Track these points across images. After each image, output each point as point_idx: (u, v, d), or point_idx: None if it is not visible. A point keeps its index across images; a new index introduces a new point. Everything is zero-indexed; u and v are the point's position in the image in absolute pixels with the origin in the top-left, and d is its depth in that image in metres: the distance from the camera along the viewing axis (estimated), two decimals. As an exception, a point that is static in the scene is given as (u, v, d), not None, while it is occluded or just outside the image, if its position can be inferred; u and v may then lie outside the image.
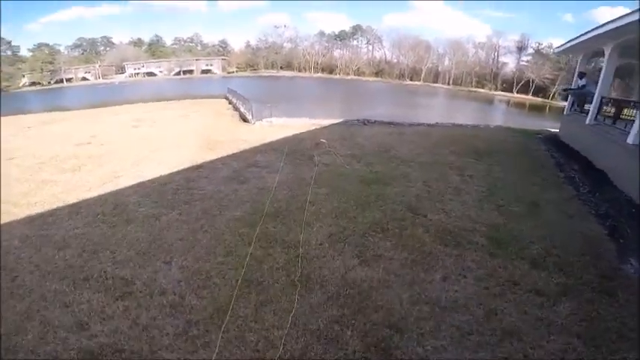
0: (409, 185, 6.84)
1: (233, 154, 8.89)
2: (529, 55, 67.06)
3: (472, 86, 67.84)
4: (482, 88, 67.30)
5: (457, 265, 4.27)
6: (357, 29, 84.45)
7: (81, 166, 8.17)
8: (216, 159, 8.57)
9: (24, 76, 67.16)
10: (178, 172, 7.69)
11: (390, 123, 14.01)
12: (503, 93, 63.12)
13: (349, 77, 76.34)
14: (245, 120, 13.90)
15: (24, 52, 69.75)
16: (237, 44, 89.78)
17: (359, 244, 4.70)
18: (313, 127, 12.29)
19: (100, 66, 76.44)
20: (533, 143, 11.73)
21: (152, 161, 8.53)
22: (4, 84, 61.47)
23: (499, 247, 4.68)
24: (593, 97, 12.06)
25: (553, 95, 56.76)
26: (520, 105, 50.02)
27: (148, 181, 7.21)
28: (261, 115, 13.88)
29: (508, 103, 53.11)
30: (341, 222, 5.31)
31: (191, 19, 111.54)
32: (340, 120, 14.10)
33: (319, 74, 78.96)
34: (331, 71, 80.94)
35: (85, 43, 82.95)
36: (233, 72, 79.58)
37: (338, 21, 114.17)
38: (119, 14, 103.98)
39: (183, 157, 8.75)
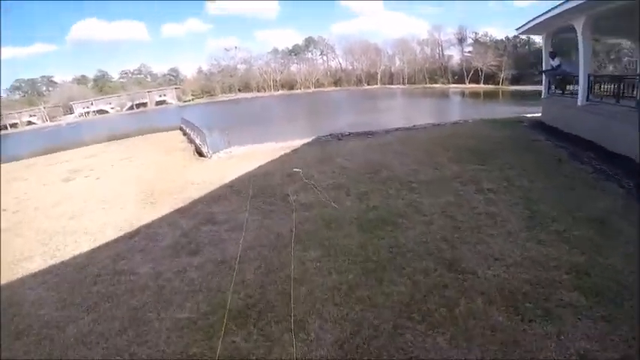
0: (426, 221, 4.92)
1: (181, 207, 6.60)
2: (469, 45, 69.23)
3: (426, 83, 68.84)
4: (436, 83, 68.52)
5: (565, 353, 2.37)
6: (309, 41, 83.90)
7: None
8: (159, 218, 6.26)
9: None
10: (106, 246, 5.42)
11: (366, 133, 12.23)
12: (455, 85, 64.36)
13: (310, 90, 75.19)
14: (200, 154, 11.56)
15: None
16: (188, 71, 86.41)
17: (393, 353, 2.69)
18: (282, 153, 10.21)
19: (45, 107, 70.13)
20: (525, 133, 10.36)
21: (73, 232, 6.12)
22: None
23: (608, 305, 2.91)
24: (571, 76, 11.11)
25: (502, 81, 58.52)
26: (475, 94, 50.83)
27: (62, 263, 5.08)
28: (219, 146, 11.63)
29: (463, 94, 53.86)
30: (351, 313, 3.27)
31: (135, 50, 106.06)
32: (311, 138, 12.13)
33: (280, 91, 77.16)
34: (291, 87, 79.52)
35: (24, 85, 76.26)
36: (189, 100, 75.88)
37: (287, 36, 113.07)
38: (56, 51, 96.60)
39: (115, 220, 6.38)
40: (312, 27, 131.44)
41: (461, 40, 70.82)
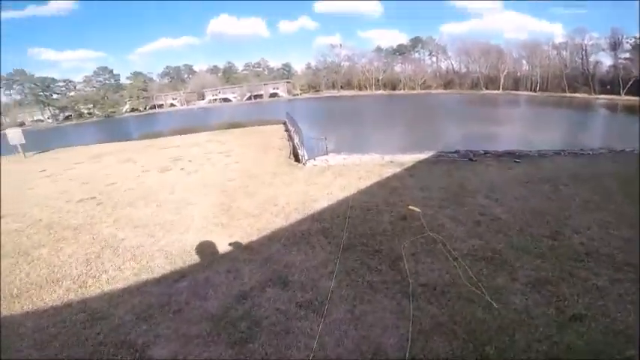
0: None
1: (252, 241, 4.68)
2: (625, 51, 53.32)
3: (564, 91, 55.93)
4: (575, 92, 54.98)
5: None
6: (416, 41, 77.34)
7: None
8: (221, 255, 4.44)
9: (126, 103, 74.54)
10: (139, 289, 3.77)
11: (509, 154, 8.61)
12: (605, 96, 50.33)
13: (415, 92, 69.39)
14: (296, 157, 9.83)
15: (123, 81, 77.18)
16: (299, 66, 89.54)
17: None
18: (390, 172, 7.59)
19: (184, 93, 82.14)
20: None
21: (111, 263, 4.68)
22: (110, 110, 69.38)
23: None
24: None
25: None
26: (633, 109, 38.15)
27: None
28: (315, 151, 9.68)
29: (616, 108, 41.22)
30: None
31: (256, 44, 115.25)
32: (428, 153, 9.14)
33: (381, 91, 73.40)
34: (394, 87, 74.83)
35: (171, 71, 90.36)
36: (297, 94, 78.69)
37: (391, 37, 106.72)
38: (198, 44, 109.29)
39: (172, 246, 4.83)
40: (418, 27, 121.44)
41: (614, 45, 55.34)
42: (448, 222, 4.88)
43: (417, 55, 78.57)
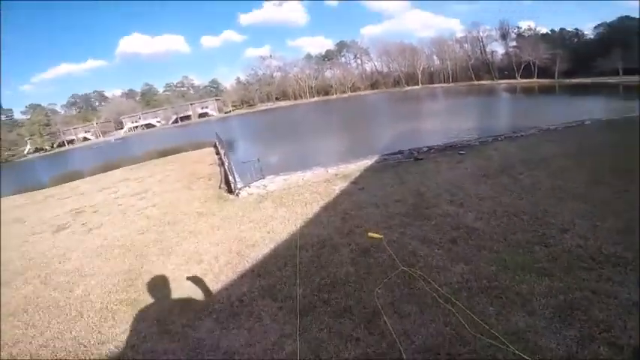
0: None
1: (171, 321, 3.16)
2: (512, 40, 62.08)
3: (470, 80, 62.41)
4: (480, 79, 61.78)
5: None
6: (342, 46, 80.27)
7: None
8: (129, 346, 2.91)
9: (27, 142, 63.31)
10: None
11: (452, 147, 8.24)
12: (506, 81, 57.26)
13: (346, 95, 71.27)
14: (228, 186, 8.27)
15: (18, 116, 66.02)
16: (227, 82, 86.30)
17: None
18: (338, 188, 6.56)
19: (97, 123, 72.85)
20: None
21: None
22: (6, 153, 57.76)
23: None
24: None
25: (557, 74, 50.33)
26: (529, 90, 43.74)
27: None
28: (251, 175, 8.24)
29: (515, 90, 46.86)
30: None
31: (177, 63, 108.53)
32: (372, 158, 8.36)
33: (315, 98, 74.02)
34: (327, 92, 76.15)
35: (79, 100, 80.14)
36: (229, 111, 75.22)
37: (318, 43, 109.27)
38: (107, 67, 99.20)
39: (60, 340, 3.14)
40: (342, 32, 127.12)
41: (504, 35, 63.89)
42: (419, 246, 3.92)
43: (343, 59, 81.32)
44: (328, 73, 79.54)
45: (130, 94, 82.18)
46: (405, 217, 4.74)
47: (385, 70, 76.15)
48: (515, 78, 56.17)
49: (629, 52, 37.03)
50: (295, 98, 76.23)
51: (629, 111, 12.21)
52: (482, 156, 7.38)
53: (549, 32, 57.91)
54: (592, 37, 52.51)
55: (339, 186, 6.66)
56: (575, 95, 28.58)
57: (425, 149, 8.46)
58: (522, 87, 48.99)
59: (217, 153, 15.52)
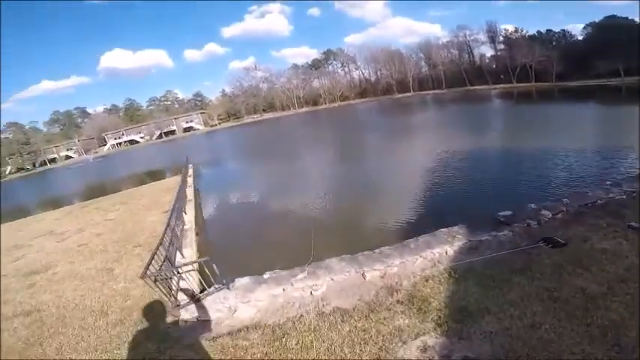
0: None
1: None
2: (500, 42, 59.61)
3: (464, 85, 59.58)
4: (473, 85, 59.03)
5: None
6: (328, 54, 76.85)
7: None
8: None
9: (8, 162, 57.84)
10: None
11: (595, 206, 4.29)
12: (500, 85, 54.47)
13: (336, 104, 67.49)
14: (166, 287, 4.09)
15: None
16: (213, 95, 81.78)
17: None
18: (407, 339, 2.52)
19: (79, 140, 67.35)
20: None
21: None
22: None
23: None
24: None
25: (554, 77, 47.66)
26: (527, 95, 40.72)
27: None
28: (217, 266, 4.08)
29: (512, 95, 43.72)
30: None
31: (160, 77, 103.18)
32: (443, 236, 4.31)
33: (304, 108, 69.98)
34: (315, 103, 72.30)
35: (61, 117, 74.54)
36: (215, 125, 70.33)
37: (303, 53, 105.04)
38: (89, 83, 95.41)
39: None
40: (326, 41, 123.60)
41: (492, 38, 61.36)
42: None
43: (330, 67, 77.89)
44: (316, 83, 75.88)
45: (112, 110, 76.88)
46: None
47: (373, 77, 73.00)
48: (510, 82, 53.41)
49: (625, 53, 34.67)
50: (283, 109, 72.15)
51: None
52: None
53: (536, 34, 55.63)
54: (580, 37, 50.57)
55: (411, 329, 2.59)
56: (605, 102, 23.65)
57: (543, 211, 4.44)
58: (519, 92, 45.93)
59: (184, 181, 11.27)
